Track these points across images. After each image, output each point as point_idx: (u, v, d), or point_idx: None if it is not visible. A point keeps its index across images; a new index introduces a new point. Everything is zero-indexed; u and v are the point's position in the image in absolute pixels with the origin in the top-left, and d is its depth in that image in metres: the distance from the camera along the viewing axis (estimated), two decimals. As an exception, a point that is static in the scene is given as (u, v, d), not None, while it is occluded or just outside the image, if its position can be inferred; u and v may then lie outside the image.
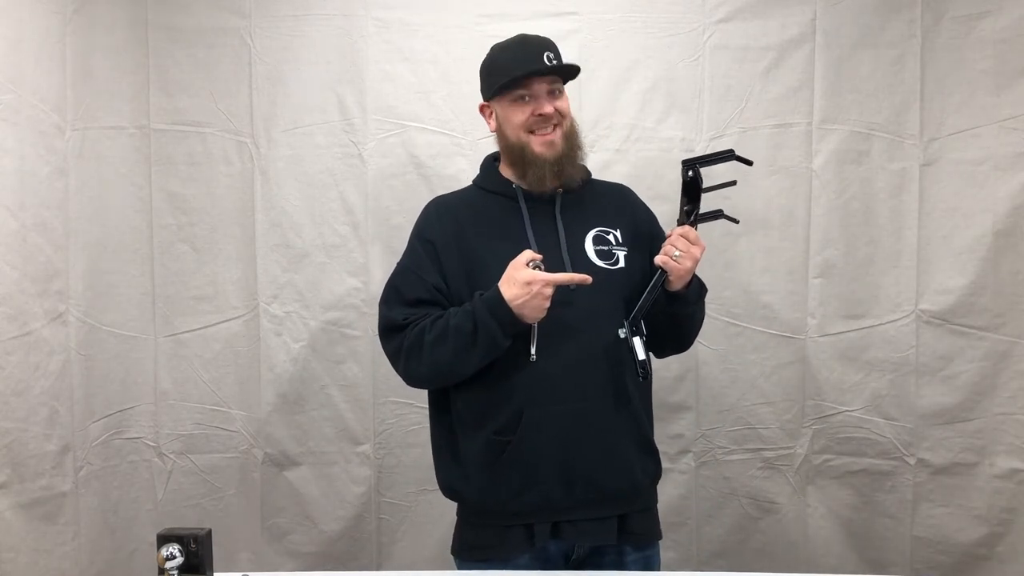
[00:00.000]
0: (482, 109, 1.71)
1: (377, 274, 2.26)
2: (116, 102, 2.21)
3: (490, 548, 1.61)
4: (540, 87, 1.61)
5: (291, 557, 2.32)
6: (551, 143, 1.62)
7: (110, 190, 2.21)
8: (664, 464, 2.28)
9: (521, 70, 1.60)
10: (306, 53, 2.23)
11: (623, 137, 2.24)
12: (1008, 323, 2.18)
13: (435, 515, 2.31)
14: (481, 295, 1.55)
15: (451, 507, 2.30)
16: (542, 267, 1.52)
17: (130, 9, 2.21)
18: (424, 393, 2.26)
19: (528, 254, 1.53)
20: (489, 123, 1.69)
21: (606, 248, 1.66)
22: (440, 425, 1.67)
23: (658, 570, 1.70)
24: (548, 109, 1.61)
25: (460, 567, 1.67)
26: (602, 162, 2.24)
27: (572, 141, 1.66)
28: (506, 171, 1.70)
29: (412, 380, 1.66)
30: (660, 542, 1.72)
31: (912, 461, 2.25)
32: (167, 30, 2.23)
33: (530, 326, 1.54)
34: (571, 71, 1.65)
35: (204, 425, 2.31)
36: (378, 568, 2.31)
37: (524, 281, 1.50)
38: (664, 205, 2.24)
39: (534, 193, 1.66)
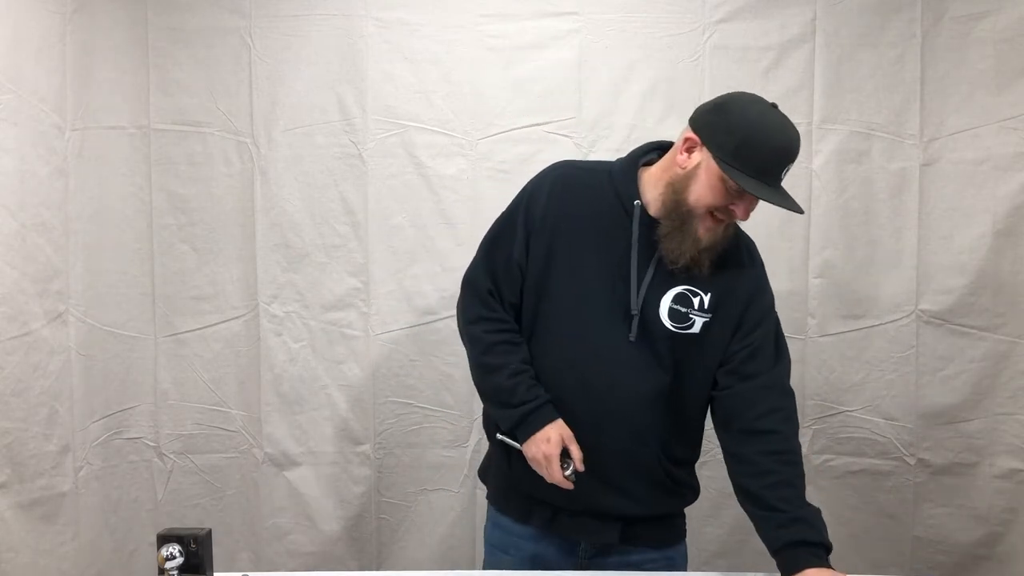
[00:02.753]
0: (688, 139, 1.47)
1: (377, 274, 2.26)
2: (116, 102, 2.21)
3: (510, 504, 1.65)
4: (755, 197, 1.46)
5: (291, 557, 2.32)
6: (714, 231, 1.48)
7: (110, 190, 2.21)
8: (664, 464, 2.31)
9: (758, 185, 1.42)
10: (306, 53, 2.23)
11: (623, 137, 2.24)
12: (1008, 323, 2.18)
13: (435, 515, 2.31)
14: (537, 405, 1.51)
15: (450, 508, 2.32)
16: (571, 466, 1.49)
17: (130, 9, 2.21)
18: (425, 393, 2.29)
19: (577, 460, 1.48)
20: (684, 156, 1.47)
21: (684, 310, 1.52)
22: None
23: (685, 570, 1.68)
24: (742, 216, 1.48)
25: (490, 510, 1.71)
26: (602, 162, 2.24)
27: (725, 240, 1.52)
28: (648, 189, 1.52)
29: (461, 333, 1.66)
30: (686, 540, 1.71)
31: (912, 461, 2.25)
32: (167, 30, 2.22)
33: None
34: (791, 204, 1.48)
35: (204, 425, 2.31)
36: (378, 568, 2.31)
37: (543, 454, 1.47)
38: (664, 205, 2.25)
39: (648, 219, 1.51)
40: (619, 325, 1.51)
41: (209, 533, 1.45)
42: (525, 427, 1.50)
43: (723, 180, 1.43)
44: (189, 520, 2.25)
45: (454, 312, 2.24)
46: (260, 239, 2.26)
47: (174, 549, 1.41)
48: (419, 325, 2.28)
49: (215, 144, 2.25)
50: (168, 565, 1.41)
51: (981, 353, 2.20)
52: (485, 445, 2.27)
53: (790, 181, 2.21)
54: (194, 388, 2.30)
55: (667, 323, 1.51)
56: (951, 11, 2.18)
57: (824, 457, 2.30)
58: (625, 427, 1.52)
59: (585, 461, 1.49)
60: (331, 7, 2.22)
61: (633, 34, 2.23)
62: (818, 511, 1.47)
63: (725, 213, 1.47)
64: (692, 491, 1.67)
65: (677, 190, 1.47)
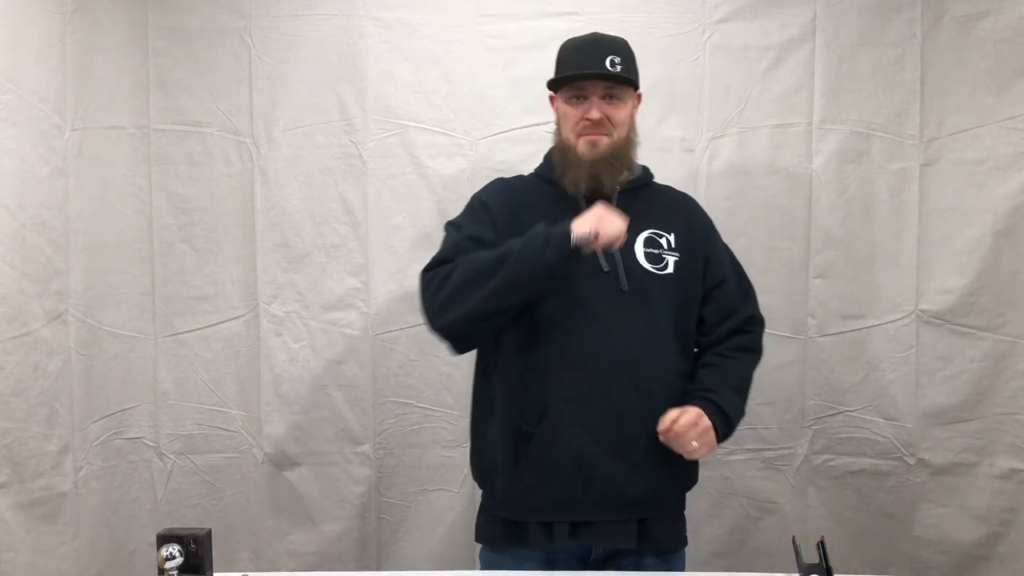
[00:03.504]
0: (551, 100, 1.71)
1: (377, 274, 2.26)
2: (116, 102, 2.20)
3: (509, 539, 1.62)
4: (595, 91, 1.60)
5: (291, 557, 2.32)
6: (594, 144, 1.61)
7: (110, 190, 2.21)
8: (664, 464, 2.31)
9: (577, 70, 1.61)
10: (306, 53, 2.23)
11: (623, 137, 2.24)
12: (1008, 323, 2.18)
13: (435, 515, 2.31)
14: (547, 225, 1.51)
15: (450, 508, 2.32)
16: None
17: (130, 9, 2.21)
18: (425, 393, 2.29)
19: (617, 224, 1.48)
20: (555, 115, 1.70)
21: (656, 252, 1.63)
22: (479, 409, 1.68)
23: None
24: (595, 115, 1.60)
25: (483, 554, 1.69)
26: (602, 162, 2.24)
27: (620, 150, 1.64)
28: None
29: (441, 297, 1.54)
30: (686, 548, 1.71)
31: (912, 461, 2.25)
32: (167, 30, 2.22)
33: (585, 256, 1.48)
34: (628, 80, 1.63)
35: (204, 425, 2.31)
36: (378, 568, 2.31)
37: (596, 218, 1.47)
38: (664, 205, 2.25)
39: (591, 191, 1.62)
40: (607, 281, 1.58)
41: (209, 533, 1.45)
42: (559, 235, 1.46)
43: (565, 100, 1.64)
44: (189, 520, 2.25)
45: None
46: (260, 239, 2.26)
47: (174, 549, 1.41)
48: (419, 325, 2.26)
49: (215, 144, 2.25)
50: (168, 565, 1.41)
51: (981, 353, 2.20)
52: (485, 445, 2.28)
53: (790, 180, 2.24)
54: (194, 388, 2.30)
55: (647, 266, 1.61)
56: (951, 11, 2.18)
57: (824, 457, 2.30)
58: (633, 383, 1.56)
59: (598, 437, 1.54)
60: (331, 7, 2.22)
61: (633, 34, 2.20)
62: (735, 397, 1.64)
63: (586, 126, 1.61)
64: (693, 462, 1.67)
65: (557, 144, 1.68)
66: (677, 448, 1.54)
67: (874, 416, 2.26)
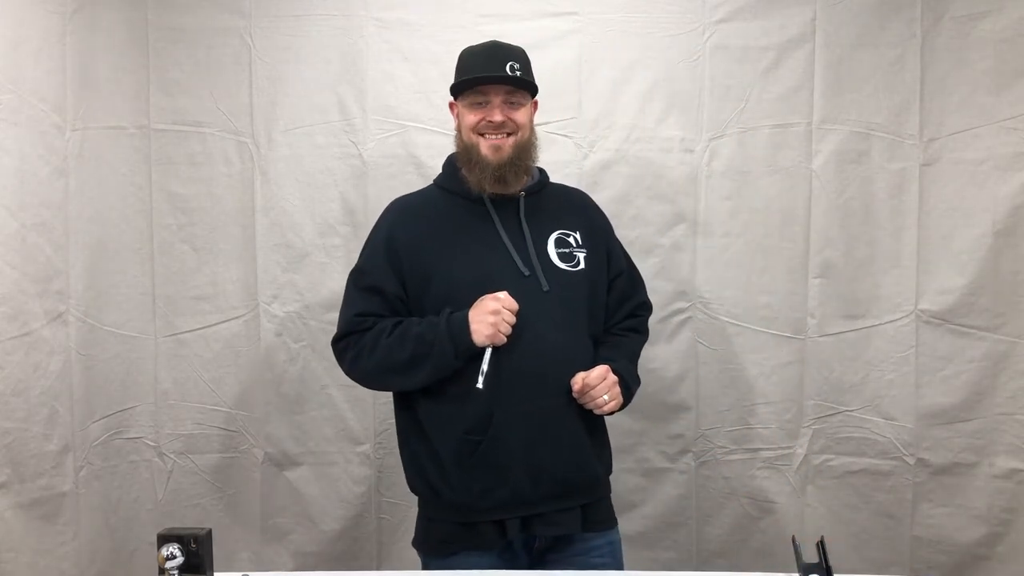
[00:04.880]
0: (451, 107, 1.75)
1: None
2: (116, 102, 2.21)
3: (459, 542, 1.64)
4: (496, 95, 1.66)
5: (291, 557, 2.32)
6: (498, 148, 1.66)
7: (110, 190, 2.21)
8: (664, 464, 2.31)
9: (477, 74, 1.65)
10: (306, 53, 2.23)
11: (623, 137, 2.24)
12: (1008, 323, 2.18)
13: (435, 515, 2.31)
14: (451, 313, 1.58)
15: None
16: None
17: (130, 9, 2.21)
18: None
19: (509, 300, 1.56)
20: (454, 119, 1.74)
21: (567, 251, 1.71)
22: (408, 424, 1.69)
23: (621, 553, 1.75)
24: (497, 117, 1.65)
25: (425, 562, 1.73)
26: (602, 162, 2.24)
27: (523, 151, 1.69)
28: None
29: (356, 374, 1.70)
30: (619, 528, 1.78)
31: (912, 461, 2.25)
32: (167, 30, 2.23)
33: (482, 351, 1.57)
34: (527, 85, 1.68)
35: (204, 425, 2.31)
36: (378, 568, 2.31)
37: (490, 311, 1.54)
38: (663, 205, 2.26)
39: (497, 196, 1.69)
40: (529, 284, 1.63)
41: (209, 533, 1.45)
42: (457, 331, 1.56)
43: (466, 105, 1.67)
44: (189, 520, 2.26)
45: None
46: (260, 239, 2.26)
47: (174, 549, 1.41)
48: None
49: (215, 144, 2.25)
50: (168, 565, 1.41)
51: (981, 353, 2.20)
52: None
53: (790, 180, 2.24)
54: (194, 388, 2.30)
55: (560, 264, 1.68)
56: (951, 11, 2.18)
57: (824, 457, 2.30)
58: (564, 379, 1.62)
59: (542, 434, 1.60)
60: (331, 7, 2.22)
61: (633, 34, 2.23)
62: (630, 366, 1.77)
63: (487, 127, 1.65)
64: (608, 445, 1.78)
65: (460, 148, 1.71)
66: (589, 404, 1.63)
67: (874, 416, 2.26)
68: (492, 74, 1.64)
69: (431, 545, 1.71)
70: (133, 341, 2.26)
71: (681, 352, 2.27)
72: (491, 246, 1.65)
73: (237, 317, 2.29)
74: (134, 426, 2.29)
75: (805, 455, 2.30)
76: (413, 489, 1.73)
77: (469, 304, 1.58)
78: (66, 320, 2.10)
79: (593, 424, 1.69)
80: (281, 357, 2.29)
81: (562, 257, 1.69)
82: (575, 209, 1.80)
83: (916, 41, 2.19)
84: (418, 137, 2.25)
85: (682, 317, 2.28)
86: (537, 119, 2.22)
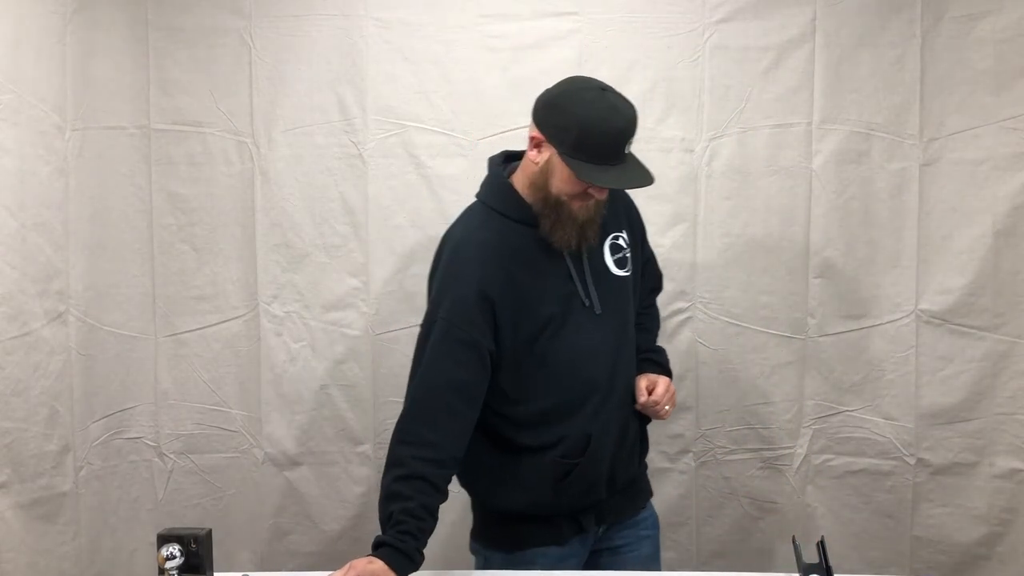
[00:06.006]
0: (535, 138, 1.55)
1: (377, 274, 2.26)
2: (116, 102, 2.21)
3: (529, 537, 1.66)
4: None
5: (291, 557, 2.32)
6: (587, 208, 1.57)
7: (110, 190, 2.21)
8: (664, 464, 2.31)
9: (602, 171, 1.50)
10: (306, 53, 2.23)
11: (623, 137, 2.24)
12: (1008, 323, 2.18)
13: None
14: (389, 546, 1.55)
15: (450, 508, 2.29)
16: None
17: (130, 9, 2.21)
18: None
19: None
20: (533, 153, 1.56)
21: (621, 255, 1.69)
22: (486, 443, 1.65)
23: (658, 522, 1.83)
24: (603, 197, 1.57)
25: (484, 552, 1.75)
26: (602, 162, 2.24)
27: (603, 208, 1.62)
28: (527, 197, 1.61)
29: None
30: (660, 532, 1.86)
31: (912, 461, 2.25)
32: (167, 30, 2.22)
33: None
34: (639, 179, 1.57)
35: (204, 425, 2.31)
36: (378, 568, 2.31)
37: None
38: (663, 205, 2.25)
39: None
40: (589, 309, 1.61)
41: (209, 533, 1.45)
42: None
43: (569, 170, 1.51)
44: (189, 520, 2.25)
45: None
46: (260, 239, 2.26)
47: (174, 549, 1.41)
48: (419, 325, 2.27)
49: (215, 144, 2.25)
50: (168, 565, 1.41)
51: (981, 353, 2.20)
52: (485, 445, 2.28)
53: (790, 180, 2.24)
54: (194, 388, 2.30)
55: (617, 271, 1.67)
56: (951, 11, 2.18)
57: (824, 457, 2.30)
58: (630, 388, 1.68)
59: (621, 444, 1.68)
60: (331, 7, 2.22)
61: (633, 34, 2.23)
62: (664, 351, 1.84)
63: (585, 196, 1.55)
64: None
65: (539, 186, 1.56)
66: (651, 414, 1.70)
67: (874, 416, 2.27)
68: (619, 175, 1.53)
69: (493, 538, 1.71)
70: (133, 341, 2.26)
71: (681, 352, 2.27)
72: (562, 279, 1.60)
73: (237, 317, 2.29)
74: (134, 426, 2.29)
75: (805, 455, 2.30)
76: (492, 508, 1.72)
77: (545, 342, 1.58)
78: (66, 320, 2.10)
79: (641, 419, 1.76)
80: (281, 357, 2.29)
81: (618, 263, 1.68)
82: (622, 206, 1.75)
83: (916, 41, 2.19)
84: (418, 137, 2.24)
85: (682, 317, 2.28)
86: (537, 119, 2.25)
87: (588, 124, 1.49)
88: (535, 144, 1.55)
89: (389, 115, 2.24)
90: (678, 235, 2.26)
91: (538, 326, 1.57)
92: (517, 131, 2.24)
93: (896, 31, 2.20)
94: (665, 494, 2.31)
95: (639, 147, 2.24)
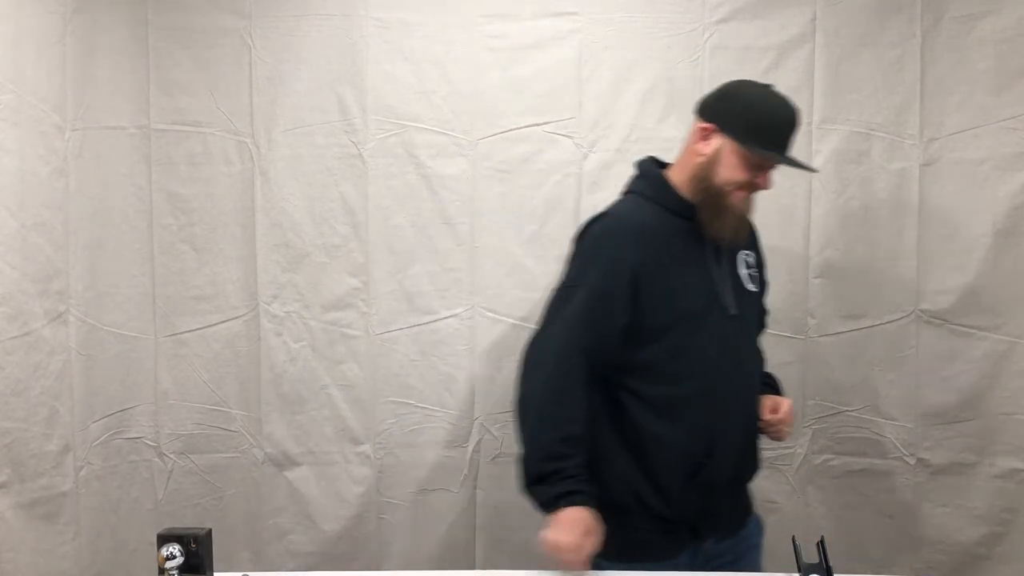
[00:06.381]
0: (703, 129, 1.63)
1: (377, 274, 2.26)
2: (116, 102, 2.21)
3: (658, 548, 1.65)
4: (775, 167, 1.64)
5: (291, 557, 2.32)
6: (747, 200, 1.66)
7: (110, 190, 2.21)
8: (664, 464, 2.31)
9: (778, 152, 1.60)
10: (306, 53, 2.23)
11: (623, 137, 2.24)
12: (1008, 323, 2.18)
13: (435, 515, 2.31)
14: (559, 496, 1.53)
15: (450, 508, 2.31)
16: None
17: (130, 9, 2.21)
18: (425, 393, 2.29)
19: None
20: (700, 145, 1.62)
21: (750, 272, 1.75)
22: (617, 441, 1.66)
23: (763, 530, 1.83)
24: (768, 186, 1.64)
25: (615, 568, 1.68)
26: (602, 162, 2.24)
27: (752, 207, 1.71)
28: (685, 192, 1.66)
29: (523, 386, 1.64)
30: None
31: (912, 461, 2.25)
32: (167, 30, 2.23)
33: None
34: (807, 166, 1.72)
35: (204, 425, 2.31)
36: (378, 568, 2.31)
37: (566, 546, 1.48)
38: (664, 205, 2.25)
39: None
40: (725, 311, 1.66)
41: (209, 533, 1.45)
42: (549, 505, 1.54)
43: (745, 158, 1.58)
44: (189, 520, 2.26)
45: (454, 311, 2.27)
46: (260, 239, 2.26)
47: (174, 549, 1.41)
48: (419, 325, 2.28)
49: (215, 144, 2.25)
50: (168, 565, 1.41)
51: (981, 353, 2.20)
52: (485, 445, 2.29)
53: (790, 180, 2.25)
54: (194, 388, 2.30)
55: (750, 286, 1.73)
56: (951, 11, 2.18)
57: (824, 457, 2.30)
58: (756, 399, 1.73)
59: (745, 449, 1.73)
60: (331, 7, 2.22)
61: (633, 34, 2.23)
62: (776, 376, 1.87)
63: (750, 186, 1.62)
64: None
65: (703, 177, 1.62)
66: (773, 432, 1.74)
67: (874, 416, 2.27)
68: (792, 159, 1.62)
69: (625, 552, 1.65)
70: (133, 341, 2.26)
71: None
72: (705, 271, 1.66)
73: (237, 317, 2.29)
74: (134, 426, 2.29)
75: (805, 455, 2.30)
76: (613, 503, 1.62)
77: (683, 332, 1.61)
78: (66, 320, 2.10)
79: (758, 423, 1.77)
80: (281, 357, 2.29)
81: (749, 278, 1.74)
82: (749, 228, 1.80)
83: (916, 41, 2.19)
84: (418, 137, 2.24)
85: (682, 317, 2.28)
86: (537, 119, 2.25)
87: (762, 109, 1.61)
88: (703, 136, 1.62)
89: (389, 115, 2.24)
90: (678, 235, 2.26)
91: (679, 315, 1.61)
92: (517, 131, 2.25)
93: (896, 31, 2.20)
94: (665, 494, 2.31)
95: (639, 147, 2.27)
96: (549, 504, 1.53)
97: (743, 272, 1.73)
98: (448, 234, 2.26)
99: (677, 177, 1.67)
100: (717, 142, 1.60)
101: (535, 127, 2.24)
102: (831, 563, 1.43)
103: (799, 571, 1.45)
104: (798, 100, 2.19)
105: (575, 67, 2.24)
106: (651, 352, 1.61)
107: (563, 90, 2.23)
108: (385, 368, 2.29)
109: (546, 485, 1.55)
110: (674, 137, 2.23)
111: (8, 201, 1.90)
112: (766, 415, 1.72)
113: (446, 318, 2.26)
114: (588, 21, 2.23)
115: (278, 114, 2.24)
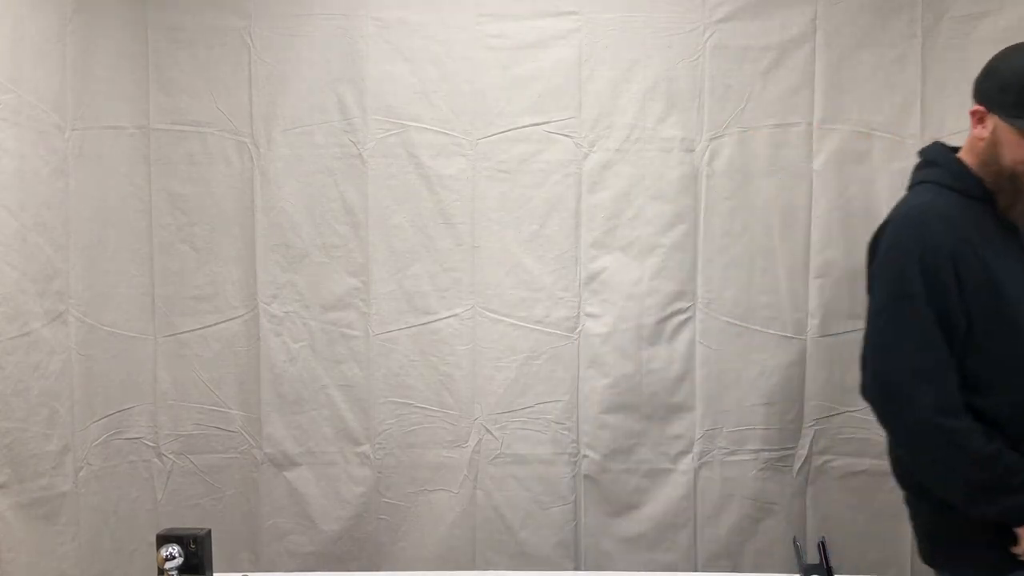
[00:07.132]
0: (977, 112, 1.58)
1: (377, 274, 2.26)
2: (116, 102, 2.21)
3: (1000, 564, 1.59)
4: None
5: (291, 557, 2.31)
6: None
7: (110, 190, 2.21)
8: (665, 465, 2.31)
9: None
10: (306, 53, 2.23)
11: (623, 137, 2.24)
12: (1009, 323, 2.17)
13: (435, 515, 2.31)
14: None
15: (450, 508, 2.31)
16: None
17: (130, 9, 2.21)
18: (425, 393, 2.29)
19: None
20: (978, 129, 1.58)
21: None
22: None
23: None
24: None
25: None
26: (602, 162, 2.24)
27: None
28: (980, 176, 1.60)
29: (926, 472, 1.63)
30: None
31: (913, 461, 2.24)
32: (167, 30, 2.23)
33: None
34: None
35: (204, 425, 2.31)
36: (378, 568, 2.31)
37: None
38: (664, 205, 2.25)
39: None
40: None
41: (209, 533, 1.45)
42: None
43: (1020, 133, 1.49)
44: (189, 520, 2.25)
45: (454, 311, 2.26)
46: (260, 239, 2.26)
47: (174, 549, 1.42)
48: (419, 325, 2.28)
49: (215, 144, 2.25)
50: (168, 565, 1.41)
51: (982, 353, 2.19)
52: (485, 445, 2.28)
53: (790, 180, 2.24)
54: (194, 388, 2.30)
55: None
56: (951, 11, 2.18)
57: (825, 457, 2.29)
58: None
59: None
60: (331, 7, 2.22)
61: (633, 34, 2.23)
62: None
63: None
64: None
65: (989, 161, 1.56)
66: None
67: (875, 417, 2.26)
68: None
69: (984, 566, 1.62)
70: (133, 341, 2.26)
71: (681, 352, 2.27)
72: (1018, 260, 1.58)
73: (237, 317, 2.29)
74: (134, 426, 2.28)
75: (806, 456, 2.29)
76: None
77: (1016, 327, 1.53)
78: (66, 320, 2.10)
79: None
80: (280, 357, 2.28)
81: None
82: None
83: (917, 41, 2.19)
84: (418, 137, 2.24)
85: (682, 317, 2.27)
86: (537, 119, 2.25)
87: (1021, 77, 1.50)
88: (978, 119, 1.57)
89: (389, 115, 2.24)
90: (678, 235, 2.26)
91: (1004, 305, 1.53)
92: (517, 131, 2.25)
93: (896, 31, 2.19)
94: (666, 495, 2.30)
95: (639, 147, 2.27)
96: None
97: None
98: (448, 234, 2.25)
99: (969, 162, 1.61)
100: (991, 123, 1.55)
101: (535, 127, 2.23)
102: (832, 564, 1.43)
103: (800, 571, 1.45)
104: (798, 100, 2.22)
105: (575, 67, 2.24)
106: (978, 354, 1.53)
107: (563, 90, 2.23)
108: (385, 368, 2.29)
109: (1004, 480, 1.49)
110: (674, 137, 2.25)
111: (8, 201, 1.90)
112: None
113: (446, 318, 2.26)
114: (588, 21, 2.23)
115: (278, 114, 2.24)
